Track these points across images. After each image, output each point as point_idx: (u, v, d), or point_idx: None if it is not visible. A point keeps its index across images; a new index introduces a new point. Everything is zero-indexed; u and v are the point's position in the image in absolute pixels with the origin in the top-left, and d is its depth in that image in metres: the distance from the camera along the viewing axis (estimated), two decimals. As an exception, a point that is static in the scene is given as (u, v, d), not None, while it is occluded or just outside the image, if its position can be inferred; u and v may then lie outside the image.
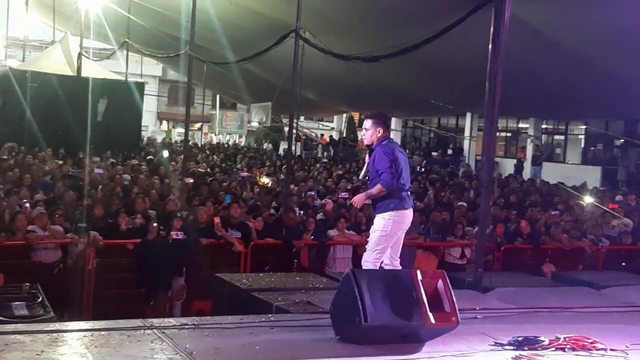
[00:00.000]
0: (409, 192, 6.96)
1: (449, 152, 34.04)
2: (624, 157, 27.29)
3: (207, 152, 29.26)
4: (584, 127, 30.23)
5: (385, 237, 6.86)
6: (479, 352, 5.81)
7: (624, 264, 12.05)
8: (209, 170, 20.20)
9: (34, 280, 7.88)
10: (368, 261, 6.92)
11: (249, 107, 34.80)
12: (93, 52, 30.94)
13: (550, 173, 27.29)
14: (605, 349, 5.98)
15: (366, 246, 7.07)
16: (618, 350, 6.00)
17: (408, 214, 6.93)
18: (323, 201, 14.75)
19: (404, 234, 7.07)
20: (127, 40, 25.71)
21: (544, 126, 31.97)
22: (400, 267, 7.08)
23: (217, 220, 10.86)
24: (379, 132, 6.92)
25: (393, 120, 38.70)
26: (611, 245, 12.73)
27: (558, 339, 6.06)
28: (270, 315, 6.72)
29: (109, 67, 29.81)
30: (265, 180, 17.62)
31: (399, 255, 7.10)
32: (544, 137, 32.25)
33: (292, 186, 15.33)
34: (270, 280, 8.33)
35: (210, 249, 10.49)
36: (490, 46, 8.98)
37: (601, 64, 17.02)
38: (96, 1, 25.77)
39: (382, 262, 6.97)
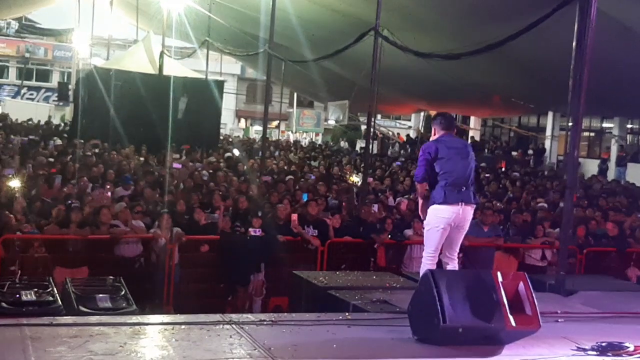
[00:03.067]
0: (460, 188, 6.78)
1: (530, 151, 33.35)
2: None
3: (284, 150, 29.46)
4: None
5: (429, 231, 6.92)
6: (560, 357, 5.67)
7: None
8: (286, 168, 20.34)
9: (116, 274, 8.08)
10: (423, 257, 7.00)
11: (326, 105, 34.88)
12: (174, 51, 31.53)
13: (636, 174, 26.41)
14: (695, 358, 5.75)
15: None
16: None
17: (450, 209, 6.78)
18: (398, 200, 14.66)
19: (458, 231, 6.92)
20: (207, 39, 26.12)
21: (629, 126, 30.98)
22: (456, 266, 7.03)
23: (294, 217, 10.93)
24: (434, 131, 7.17)
25: (472, 119, 38.22)
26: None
27: (645, 345, 5.87)
28: (347, 314, 6.71)
29: (190, 66, 30.35)
30: (355, 178, 17.43)
31: (454, 253, 7.00)
32: (629, 137, 31.26)
33: (370, 179, 15.25)
34: (347, 279, 8.32)
35: (288, 246, 10.55)
36: (574, 44, 8.73)
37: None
38: (178, 1, 26.27)
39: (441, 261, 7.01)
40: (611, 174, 27.78)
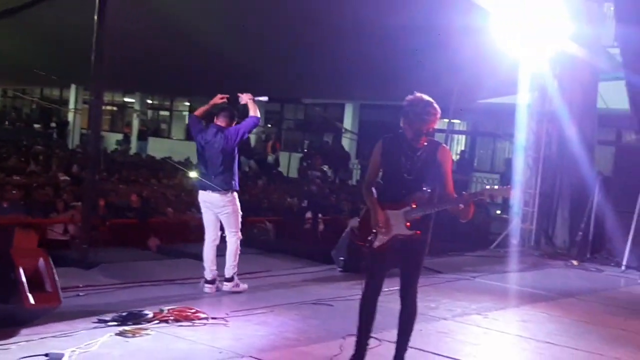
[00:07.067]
0: (210, 176, 7.55)
1: (53, 124, 32.71)
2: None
3: None
4: (188, 104, 31.18)
5: None
6: (81, 331, 5.63)
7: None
8: None
9: None
10: None
11: None
12: None
13: (156, 148, 27.68)
14: (206, 318, 6.24)
15: None
16: (219, 318, 6.31)
17: (200, 194, 7.77)
18: None
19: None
20: None
21: (149, 101, 32.30)
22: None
23: None
24: None
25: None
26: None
27: (162, 311, 6.18)
28: None
29: None
30: None
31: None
32: (150, 112, 32.61)
33: None
34: None
35: None
36: (95, 17, 8.73)
37: (206, 41, 17.19)
38: None
39: None
40: (134, 148, 28.73)
